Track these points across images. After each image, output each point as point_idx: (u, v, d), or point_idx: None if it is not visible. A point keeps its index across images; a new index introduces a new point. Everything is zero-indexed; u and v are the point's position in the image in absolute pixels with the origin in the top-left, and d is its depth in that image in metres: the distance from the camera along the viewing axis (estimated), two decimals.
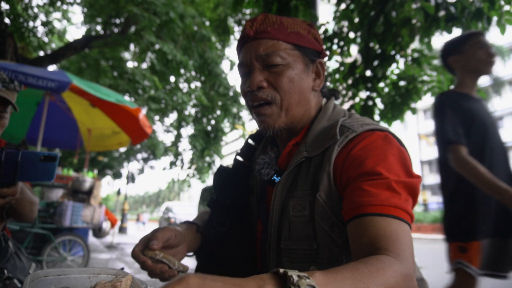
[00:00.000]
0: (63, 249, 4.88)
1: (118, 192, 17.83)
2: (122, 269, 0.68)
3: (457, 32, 3.47)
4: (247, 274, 0.53)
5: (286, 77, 0.90)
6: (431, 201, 32.78)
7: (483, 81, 26.36)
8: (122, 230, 16.45)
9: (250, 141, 1.18)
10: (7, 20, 6.79)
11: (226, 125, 11.79)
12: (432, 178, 34.46)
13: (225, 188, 1.11)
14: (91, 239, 9.31)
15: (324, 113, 0.98)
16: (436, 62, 3.99)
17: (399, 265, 0.64)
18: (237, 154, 1.18)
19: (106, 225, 5.72)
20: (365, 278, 0.58)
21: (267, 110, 0.92)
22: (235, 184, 1.10)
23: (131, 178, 17.06)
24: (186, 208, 16.69)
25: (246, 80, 0.95)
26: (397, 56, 3.84)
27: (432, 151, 32.38)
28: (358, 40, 4.01)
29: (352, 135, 0.84)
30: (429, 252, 11.13)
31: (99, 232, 5.78)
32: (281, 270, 0.51)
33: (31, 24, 8.11)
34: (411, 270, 0.66)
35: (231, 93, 10.34)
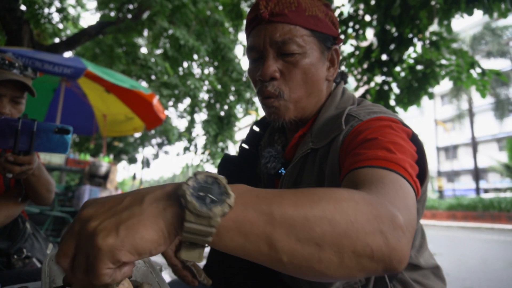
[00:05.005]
0: None
1: (134, 177, 18.16)
2: None
3: (478, 14, 3.35)
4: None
5: (301, 68, 0.84)
6: (446, 188, 32.34)
7: (505, 65, 25.47)
8: None
9: (255, 127, 1.14)
10: (23, 7, 6.86)
11: (239, 110, 11.77)
12: (448, 165, 33.89)
13: (231, 177, 1.09)
14: None
15: (332, 100, 0.92)
16: (455, 45, 3.88)
17: (374, 198, 0.50)
18: (242, 141, 1.14)
19: None
20: (308, 200, 0.45)
21: (275, 103, 0.87)
22: (241, 173, 1.08)
23: (146, 163, 17.32)
24: None
25: (256, 66, 0.89)
26: (415, 39, 3.74)
27: (448, 138, 31.76)
28: (374, 23, 3.92)
29: (357, 123, 0.79)
30: (445, 239, 11.08)
31: None
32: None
33: (46, 10, 8.17)
34: (394, 209, 0.50)
35: (244, 79, 10.28)
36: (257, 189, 0.46)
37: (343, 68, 4.38)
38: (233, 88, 10.76)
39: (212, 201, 0.40)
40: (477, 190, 26.35)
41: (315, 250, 0.43)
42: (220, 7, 9.17)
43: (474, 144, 27.77)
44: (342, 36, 4.22)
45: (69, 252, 0.40)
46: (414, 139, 0.78)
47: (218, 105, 11.28)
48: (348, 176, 0.65)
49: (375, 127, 0.74)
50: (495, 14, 3.31)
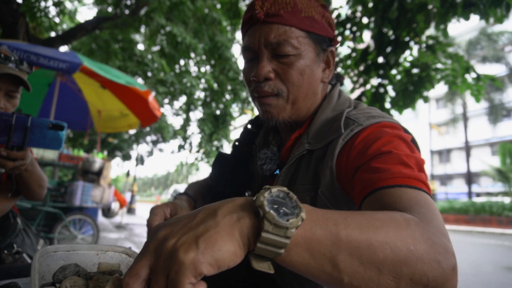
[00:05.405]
0: (74, 228, 5.00)
1: (128, 174, 18.05)
2: (129, 248, 0.69)
3: (474, 19, 3.38)
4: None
5: (296, 69, 0.83)
6: (439, 191, 32.60)
7: (500, 70, 25.70)
8: (130, 211, 16.75)
9: (249, 126, 1.15)
10: (19, 0, 6.78)
11: (235, 109, 11.77)
12: (441, 168, 34.14)
13: (224, 175, 1.09)
14: (101, 219, 9.51)
15: (329, 102, 0.92)
16: (451, 49, 3.92)
17: (425, 225, 0.51)
18: (236, 140, 1.14)
19: (115, 205, 5.83)
20: (370, 225, 0.46)
21: (272, 101, 0.86)
22: (234, 171, 1.08)
23: (140, 160, 17.23)
24: None
25: (251, 66, 0.88)
26: (411, 43, 3.77)
27: (442, 141, 31.99)
28: (372, 25, 3.93)
29: (358, 128, 0.79)
30: None
31: (108, 212, 5.90)
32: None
33: (42, 4, 8.10)
34: (443, 237, 0.51)
35: (240, 78, 10.28)
36: (319, 209, 0.47)
37: (339, 69, 4.39)
38: (229, 87, 10.76)
39: (286, 214, 0.42)
40: (469, 194, 26.56)
41: (376, 274, 0.45)
42: (218, 6, 9.15)
43: (467, 148, 27.99)
44: (339, 38, 4.24)
45: (142, 272, 0.40)
46: (413, 143, 0.79)
47: (214, 104, 11.27)
48: (376, 195, 0.64)
49: (384, 138, 0.73)
50: (491, 20, 3.34)
